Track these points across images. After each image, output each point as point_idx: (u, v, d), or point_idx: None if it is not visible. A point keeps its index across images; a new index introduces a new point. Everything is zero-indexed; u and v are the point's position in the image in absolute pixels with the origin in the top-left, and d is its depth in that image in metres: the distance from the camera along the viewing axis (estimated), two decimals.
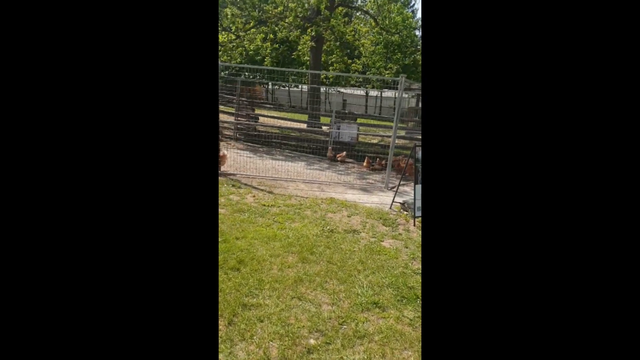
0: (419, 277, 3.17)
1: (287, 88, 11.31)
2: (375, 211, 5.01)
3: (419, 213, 4.68)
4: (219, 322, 2.26)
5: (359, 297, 2.73)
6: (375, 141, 11.55)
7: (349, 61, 19.34)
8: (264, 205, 4.73)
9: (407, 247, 3.90)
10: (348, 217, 4.70)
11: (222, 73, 12.65)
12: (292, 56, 12.93)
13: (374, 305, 2.64)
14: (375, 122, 11.46)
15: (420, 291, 2.92)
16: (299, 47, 12.38)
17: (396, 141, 10.31)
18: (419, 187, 4.70)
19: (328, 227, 4.17)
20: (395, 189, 5.24)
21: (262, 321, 2.33)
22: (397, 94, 5.83)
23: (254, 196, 5.09)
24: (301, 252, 3.38)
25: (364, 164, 8.12)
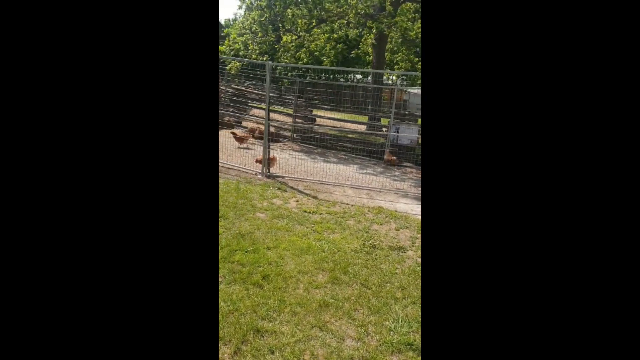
0: None
1: (351, 88, 10.99)
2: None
3: None
4: (224, 349, 2.04)
5: (391, 333, 2.32)
6: None
7: (416, 59, 18.40)
8: (306, 211, 4.49)
9: None
10: (396, 230, 4.25)
11: (279, 73, 12.76)
12: (352, 55, 12.55)
13: (408, 347, 2.22)
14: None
15: None
16: (360, 46, 11.97)
17: None
18: None
19: (370, 242, 3.78)
20: None
21: (272, 352, 2.06)
22: None
23: (297, 201, 4.88)
24: (333, 270, 3.05)
25: None
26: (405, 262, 3.45)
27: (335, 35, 11.59)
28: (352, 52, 12.33)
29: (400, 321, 2.45)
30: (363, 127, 10.65)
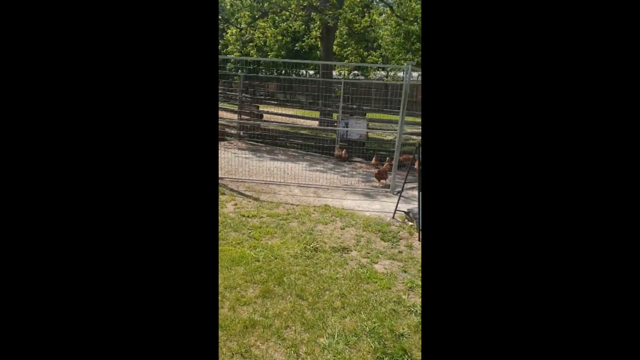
0: (413, 318, 2.45)
1: (300, 82, 10.64)
2: (375, 222, 4.29)
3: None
4: None
5: (324, 352, 2.06)
6: (391, 138, 10.74)
7: (365, 53, 18.49)
8: (244, 215, 4.12)
9: (405, 272, 3.17)
10: (341, 229, 4.02)
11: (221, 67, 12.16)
12: (296, 47, 12.23)
13: None
14: (389, 117, 10.65)
15: (411, 342, 2.21)
16: (305, 39, 11.68)
17: (414, 137, 9.56)
18: None
19: (312, 244, 3.51)
20: (399, 194, 4.50)
21: None
22: (404, 82, 5.06)
23: (235, 204, 4.50)
24: (267, 282, 2.74)
25: (372, 162, 7.37)
26: (347, 264, 3.21)
27: (277, 29, 11.20)
28: (297, 44, 12.00)
29: (336, 336, 2.19)
30: (316, 123, 10.42)
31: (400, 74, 23.36)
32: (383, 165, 6.08)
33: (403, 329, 2.32)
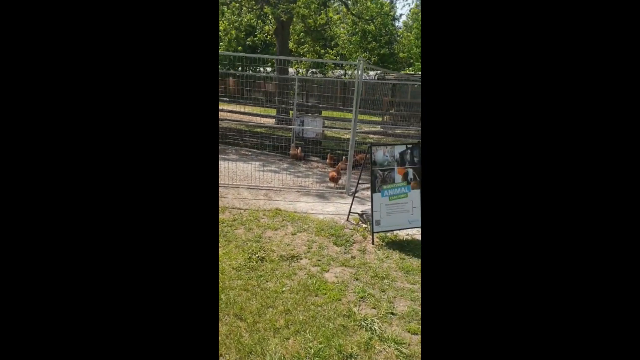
0: (363, 334, 2.26)
1: (254, 79, 10.20)
2: (328, 225, 4.09)
3: (378, 228, 3.78)
4: None
5: None
6: (348, 136, 10.64)
7: (322, 51, 18.36)
8: None
9: (357, 279, 2.99)
10: (292, 235, 3.77)
11: None
12: (247, 42, 11.81)
13: None
14: (346, 115, 10.57)
15: None
16: (257, 33, 11.28)
17: (371, 136, 9.53)
18: (377, 196, 3.78)
19: (259, 254, 3.22)
20: (353, 195, 4.34)
21: None
22: (356, 78, 4.89)
23: None
24: None
25: (327, 161, 7.19)
26: (296, 274, 2.97)
27: (228, 22, 10.69)
28: (248, 39, 11.57)
29: None
30: (272, 121, 10.07)
31: (358, 72, 23.57)
32: (337, 165, 5.90)
33: (352, 348, 2.11)
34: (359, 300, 2.67)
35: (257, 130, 9.32)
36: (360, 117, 10.13)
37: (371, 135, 9.24)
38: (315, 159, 7.87)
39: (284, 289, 2.71)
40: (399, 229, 3.94)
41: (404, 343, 2.23)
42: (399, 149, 3.88)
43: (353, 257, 3.40)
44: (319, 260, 3.27)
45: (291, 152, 7.76)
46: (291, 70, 18.67)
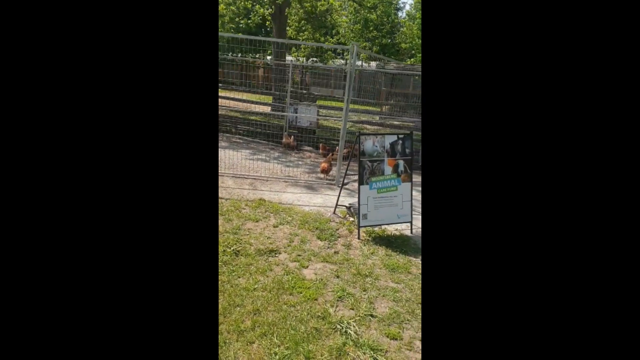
0: (338, 338, 2.07)
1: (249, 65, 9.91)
2: (314, 217, 3.88)
3: (365, 222, 3.57)
4: None
5: None
6: (347, 126, 10.39)
7: (322, 39, 17.96)
8: None
9: (338, 277, 2.79)
10: (274, 227, 3.56)
11: None
12: (241, 25, 11.44)
13: None
14: (341, 105, 10.29)
15: None
16: (251, 16, 10.93)
17: (368, 127, 9.28)
18: (365, 188, 3.57)
19: (234, 247, 3.02)
20: (340, 187, 4.12)
21: None
22: (348, 64, 4.64)
23: None
24: None
25: (320, 151, 6.96)
26: (272, 270, 2.77)
27: (227, 4, 10.32)
28: (242, 21, 11.21)
29: None
30: (268, 109, 9.79)
31: (359, 62, 23.16)
32: (328, 156, 5.67)
33: (322, 355, 1.92)
34: (337, 300, 2.48)
35: (252, 118, 9.06)
36: (357, 107, 9.87)
37: (368, 126, 8.99)
38: (309, 148, 7.64)
39: (256, 286, 2.51)
40: (387, 224, 3.74)
41: (380, 350, 2.03)
42: (389, 139, 3.66)
43: (336, 253, 3.20)
44: (299, 255, 3.07)
45: (284, 140, 7.52)
46: (291, 58, 18.30)
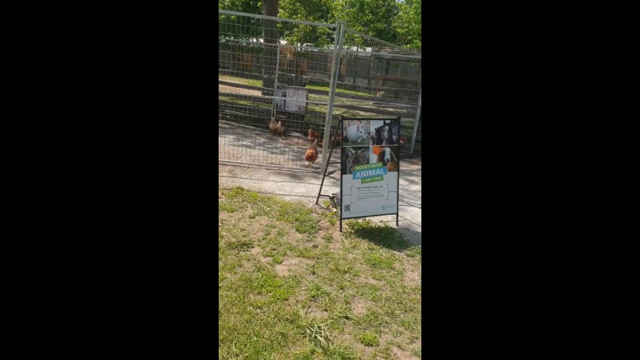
0: (306, 345, 1.85)
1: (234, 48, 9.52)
2: (294, 208, 3.65)
3: (347, 213, 3.34)
4: None
5: None
6: (338, 112, 10.11)
7: (316, 21, 17.45)
8: None
9: (314, 273, 2.58)
10: (250, 218, 3.33)
11: None
12: (226, 4, 10.98)
13: None
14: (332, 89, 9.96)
15: None
16: None
17: (362, 113, 8.99)
18: (347, 177, 3.33)
19: None
20: (323, 176, 3.88)
21: None
22: (335, 44, 4.34)
23: None
24: None
25: (309, 137, 6.69)
26: (242, 265, 2.54)
27: None
28: (226, 1, 10.75)
29: None
30: (259, 93, 9.44)
31: (354, 48, 22.65)
32: (313, 142, 5.40)
33: None
34: (310, 300, 2.27)
35: (241, 102, 8.74)
36: (348, 91, 9.56)
37: (362, 112, 8.70)
38: (297, 134, 7.36)
39: (221, 284, 2.28)
40: (372, 216, 3.52)
41: (352, 358, 1.83)
42: (375, 125, 3.40)
43: (315, 246, 2.98)
44: (274, 249, 2.84)
45: (271, 125, 7.23)
46: (285, 42, 17.78)
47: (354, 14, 19.06)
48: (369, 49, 16.14)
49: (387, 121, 3.44)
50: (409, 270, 2.82)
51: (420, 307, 2.35)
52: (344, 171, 3.32)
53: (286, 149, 6.09)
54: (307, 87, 8.01)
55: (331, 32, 19.36)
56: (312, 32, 17.94)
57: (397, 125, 3.47)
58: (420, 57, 8.10)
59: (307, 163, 5.12)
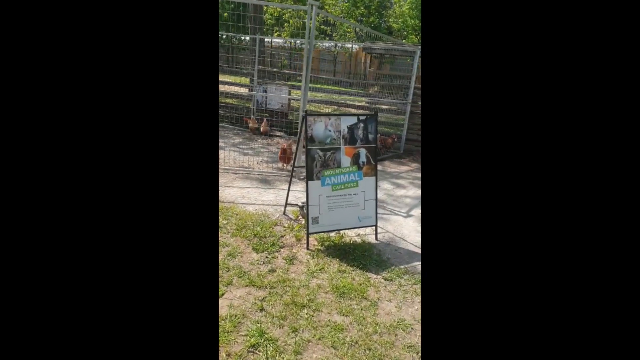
0: None
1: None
2: (256, 220, 3.11)
3: (315, 227, 2.81)
4: None
5: None
6: (328, 109, 9.59)
7: (305, 15, 16.88)
8: None
9: (262, 309, 2.04)
10: None
11: None
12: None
13: None
14: (320, 86, 9.43)
15: None
16: None
17: (353, 111, 8.45)
18: (315, 184, 2.79)
19: None
20: (289, 182, 3.34)
21: None
22: (307, 30, 3.80)
23: None
24: None
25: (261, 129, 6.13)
26: None
27: None
28: None
29: None
30: (245, 90, 8.91)
31: (348, 45, 22.10)
32: (289, 142, 4.85)
33: None
34: (248, 351, 1.73)
35: (226, 101, 8.21)
36: (334, 87, 9.04)
37: (354, 110, 8.15)
38: (280, 133, 6.81)
39: None
40: (346, 229, 2.98)
41: None
42: (347, 121, 2.86)
43: (272, 271, 2.44)
44: (219, 276, 2.30)
45: (250, 125, 6.68)
46: (280, 40, 17.23)
47: (347, 8, 18.51)
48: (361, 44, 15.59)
49: (361, 117, 2.90)
50: (385, 299, 2.29)
51: (396, 355, 1.82)
52: (310, 177, 2.77)
53: (263, 150, 5.55)
54: (289, 83, 7.45)
55: (325, 28, 18.74)
56: (303, 28, 17.38)
57: (373, 122, 2.93)
58: (411, 50, 7.56)
59: (280, 165, 4.58)
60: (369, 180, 2.95)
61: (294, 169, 3.29)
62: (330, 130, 2.79)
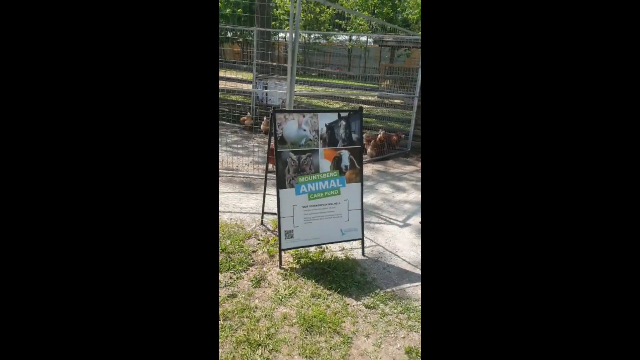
0: None
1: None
2: (229, 232, 2.76)
3: (289, 242, 2.42)
4: None
5: None
6: (337, 105, 9.18)
7: (317, 10, 16.44)
8: None
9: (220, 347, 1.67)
10: None
11: None
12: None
13: None
14: (321, 79, 9.01)
15: None
16: None
17: (365, 106, 7.99)
18: (287, 193, 2.40)
19: None
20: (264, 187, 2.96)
21: None
22: (290, 17, 3.40)
23: None
24: None
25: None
26: None
27: None
28: None
29: None
30: (250, 86, 8.63)
31: (363, 38, 21.49)
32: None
33: None
34: None
35: (231, 97, 7.95)
36: (359, 84, 8.60)
37: (365, 106, 7.70)
38: None
39: None
40: (326, 244, 2.58)
41: None
42: (325, 119, 2.45)
43: (232, 296, 2.09)
44: None
45: (246, 122, 6.35)
46: (286, 34, 16.86)
47: (361, 1, 17.94)
48: (375, 36, 15.02)
49: (342, 114, 2.49)
50: (362, 333, 1.89)
51: None
52: (281, 185, 2.39)
53: (257, 149, 5.19)
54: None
55: (340, 22, 18.20)
56: (315, 21, 16.93)
57: (357, 119, 2.51)
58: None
59: (271, 166, 4.22)
60: (353, 187, 2.54)
61: (267, 174, 2.91)
62: (305, 130, 2.40)
